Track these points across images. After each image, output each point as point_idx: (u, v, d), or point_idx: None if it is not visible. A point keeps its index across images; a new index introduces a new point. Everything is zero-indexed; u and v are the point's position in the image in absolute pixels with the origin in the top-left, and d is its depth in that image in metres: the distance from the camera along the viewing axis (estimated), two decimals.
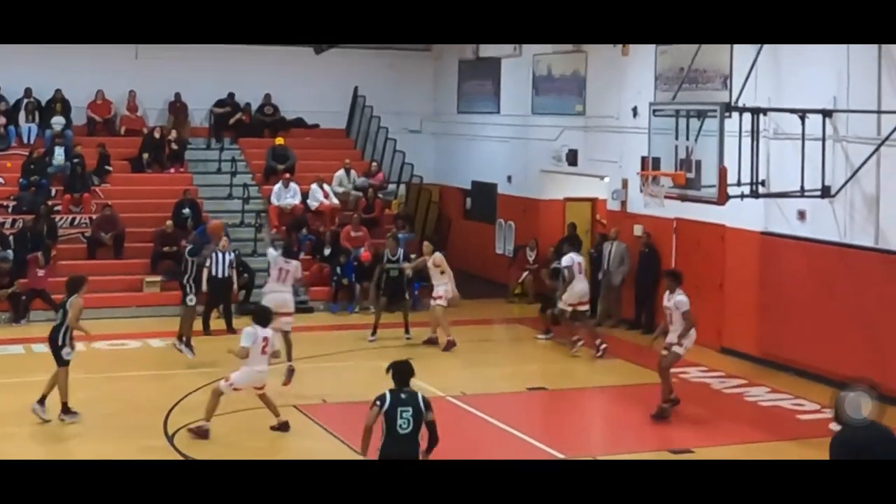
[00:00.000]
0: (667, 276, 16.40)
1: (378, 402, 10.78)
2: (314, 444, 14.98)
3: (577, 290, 20.13)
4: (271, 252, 18.72)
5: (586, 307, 20.46)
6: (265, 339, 14.86)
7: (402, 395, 10.91)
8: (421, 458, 10.58)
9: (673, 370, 18.33)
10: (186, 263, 19.59)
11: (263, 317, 15.20)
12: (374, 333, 20.99)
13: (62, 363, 15.46)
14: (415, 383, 18.07)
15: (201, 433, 14.70)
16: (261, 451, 14.34)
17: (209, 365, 18.51)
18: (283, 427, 15.17)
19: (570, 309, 20.11)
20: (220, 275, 21.86)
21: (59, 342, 15.47)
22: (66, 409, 15.44)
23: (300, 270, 18.83)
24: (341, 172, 27.43)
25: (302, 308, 24.10)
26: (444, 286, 20.67)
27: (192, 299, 19.40)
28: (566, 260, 20.24)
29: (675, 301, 15.83)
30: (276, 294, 17.88)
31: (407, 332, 21.04)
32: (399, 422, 10.74)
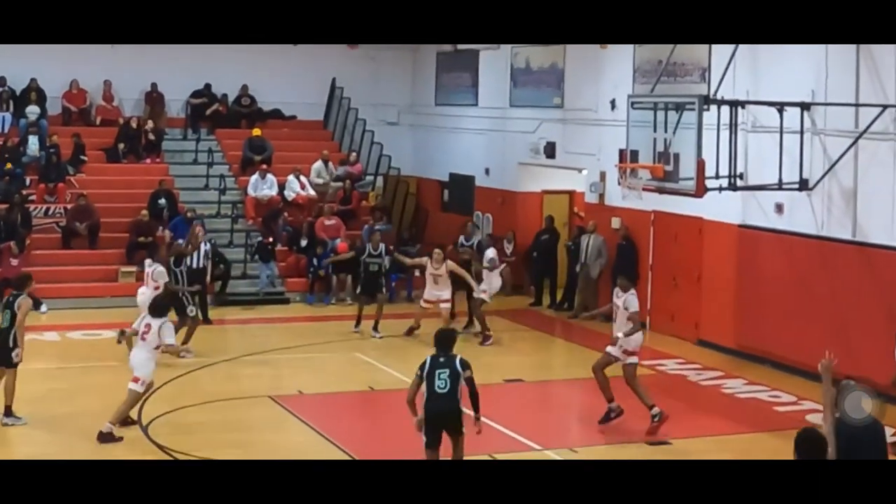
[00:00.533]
0: (621, 278, 15.90)
1: (419, 370, 11.99)
2: (290, 435, 14.91)
3: (496, 284, 20.88)
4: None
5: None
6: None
7: (441, 359, 12.08)
8: (474, 417, 11.87)
9: (651, 361, 18.41)
10: (176, 275, 19.26)
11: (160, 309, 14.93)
12: (357, 325, 20.93)
13: (11, 365, 14.76)
14: (389, 373, 18.16)
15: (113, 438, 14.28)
16: (235, 442, 14.25)
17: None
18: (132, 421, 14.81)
19: (489, 300, 20.55)
20: (195, 265, 21.78)
21: (11, 344, 14.71)
22: (8, 412, 14.86)
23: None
24: (319, 164, 27.35)
25: (279, 299, 24.14)
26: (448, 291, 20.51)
27: (192, 310, 19.15)
28: (490, 253, 21.15)
29: (626, 299, 15.14)
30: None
31: (376, 328, 20.71)
32: (437, 382, 11.92)
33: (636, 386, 14.98)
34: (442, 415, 11.79)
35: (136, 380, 14.36)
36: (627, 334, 14.97)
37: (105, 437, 14.11)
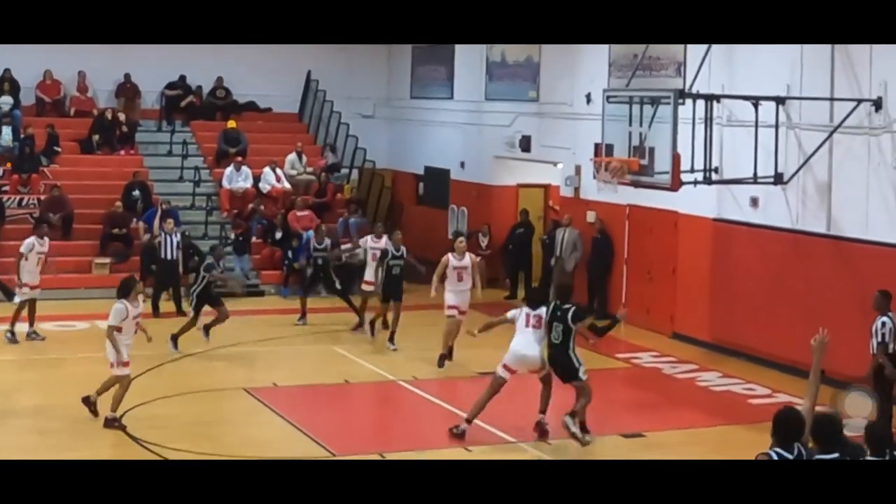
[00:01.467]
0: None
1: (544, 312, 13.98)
2: (264, 428, 14.87)
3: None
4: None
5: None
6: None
7: (558, 312, 13.90)
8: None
9: (626, 354, 18.45)
10: (198, 276, 19.04)
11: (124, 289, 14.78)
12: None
13: None
14: (364, 365, 18.14)
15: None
16: (209, 435, 14.20)
17: (157, 347, 18.28)
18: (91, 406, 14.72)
19: (371, 289, 20.26)
20: (168, 257, 21.74)
21: None
22: None
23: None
24: (293, 156, 27.28)
25: (253, 292, 24.06)
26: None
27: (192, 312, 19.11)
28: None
29: None
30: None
31: (392, 339, 19.28)
32: (553, 334, 13.88)
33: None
34: (555, 364, 13.92)
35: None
36: None
37: (109, 423, 14.25)
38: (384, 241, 20.39)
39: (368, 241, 20.86)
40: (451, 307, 18.13)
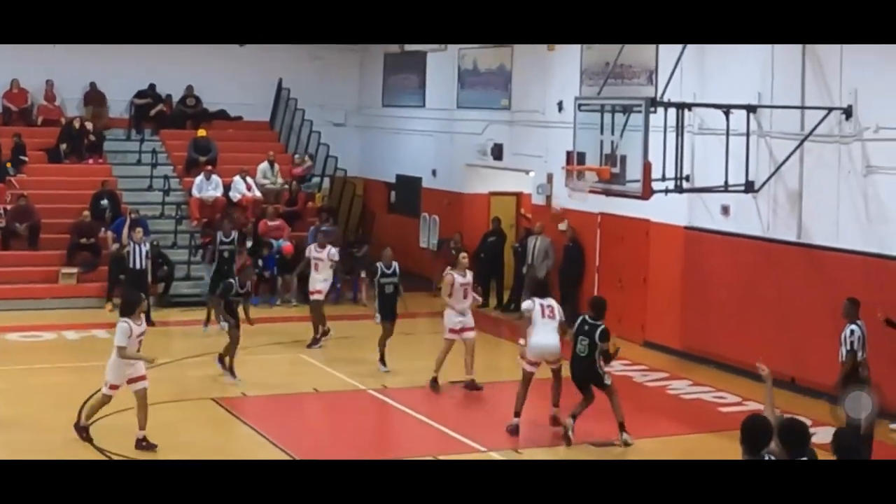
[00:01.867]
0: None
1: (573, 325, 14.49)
2: (233, 438, 14.77)
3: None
4: None
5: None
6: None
7: (586, 327, 14.26)
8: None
9: None
10: (225, 297, 17.73)
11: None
12: (383, 362, 18.42)
13: None
14: (333, 375, 18.02)
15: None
16: (176, 445, 14.04)
17: None
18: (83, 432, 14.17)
19: (320, 298, 20.13)
20: (137, 266, 21.53)
21: None
22: None
23: None
24: (265, 165, 27.14)
25: None
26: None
27: (224, 325, 17.90)
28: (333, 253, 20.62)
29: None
30: None
31: (383, 361, 18.45)
32: (578, 346, 14.26)
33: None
34: (579, 375, 14.35)
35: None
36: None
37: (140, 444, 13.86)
38: (327, 251, 20.30)
39: (312, 250, 20.62)
40: (459, 330, 17.27)
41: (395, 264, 18.57)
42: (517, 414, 14.97)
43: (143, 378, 13.88)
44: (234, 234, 20.71)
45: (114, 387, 13.92)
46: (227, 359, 17.46)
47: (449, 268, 17.85)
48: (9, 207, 24.45)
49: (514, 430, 14.86)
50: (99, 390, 14.21)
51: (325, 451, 14.04)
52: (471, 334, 17.37)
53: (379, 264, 18.66)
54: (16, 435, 14.32)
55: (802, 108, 17.20)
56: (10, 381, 17.27)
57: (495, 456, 13.94)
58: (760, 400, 15.60)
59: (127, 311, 14.04)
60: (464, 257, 17.95)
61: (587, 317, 14.48)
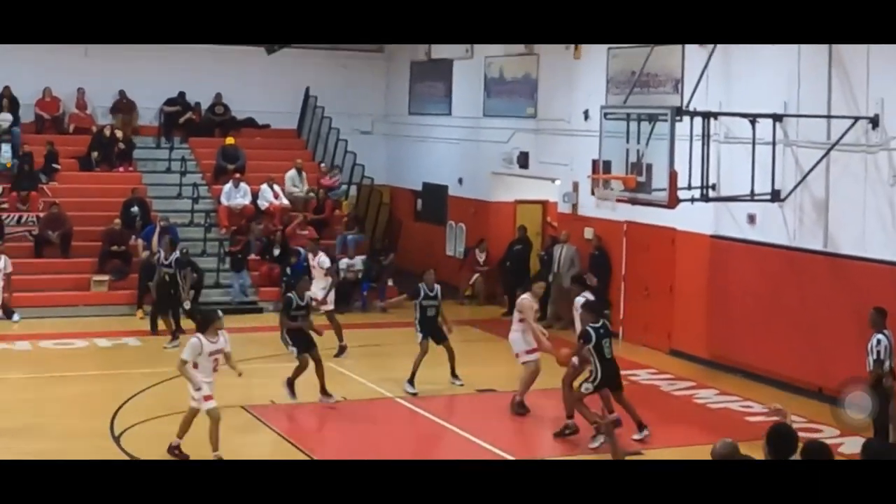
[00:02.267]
0: (574, 281, 17.31)
1: (582, 340, 14.66)
2: (261, 446, 14.88)
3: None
4: None
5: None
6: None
7: (601, 330, 14.71)
8: None
9: (624, 371, 18.32)
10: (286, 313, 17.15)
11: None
12: (411, 382, 17.84)
13: None
14: (362, 383, 18.11)
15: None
16: (206, 453, 14.17)
17: (155, 365, 18.35)
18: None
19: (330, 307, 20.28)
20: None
21: None
22: None
23: None
24: (293, 172, 27.29)
25: (251, 308, 24.08)
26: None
27: (293, 350, 16.88)
28: (324, 260, 20.85)
29: (577, 301, 16.02)
30: None
31: (454, 374, 18.26)
32: (604, 350, 14.65)
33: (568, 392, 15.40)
34: (610, 377, 14.81)
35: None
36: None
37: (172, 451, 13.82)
38: (318, 258, 20.49)
39: (308, 258, 20.84)
40: (532, 350, 16.73)
41: (437, 287, 18.01)
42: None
43: (210, 398, 13.57)
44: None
45: (208, 397, 13.62)
46: (294, 381, 16.75)
47: (528, 294, 16.92)
48: (41, 215, 24.71)
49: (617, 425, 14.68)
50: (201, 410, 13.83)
51: (351, 457, 14.13)
52: (535, 357, 16.81)
53: (422, 286, 17.99)
54: (45, 444, 14.42)
55: (829, 117, 17.21)
56: (41, 390, 17.45)
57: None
58: (787, 408, 15.75)
59: (202, 327, 13.76)
60: (540, 286, 17.54)
61: (606, 321, 15.20)
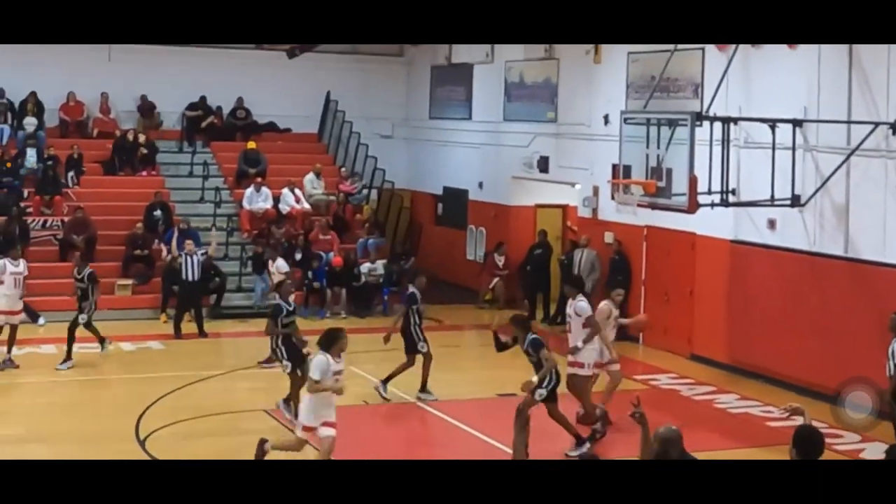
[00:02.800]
0: (567, 286, 16.48)
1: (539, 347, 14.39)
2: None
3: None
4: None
5: None
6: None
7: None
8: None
9: (644, 376, 18.40)
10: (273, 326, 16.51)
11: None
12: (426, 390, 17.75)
13: None
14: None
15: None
16: (230, 456, 14.30)
17: (179, 369, 18.49)
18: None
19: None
20: (190, 278, 21.90)
21: None
22: None
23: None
24: (311, 176, 27.38)
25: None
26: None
27: (287, 365, 16.18)
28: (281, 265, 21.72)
29: (575, 307, 15.51)
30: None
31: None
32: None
33: (586, 398, 15.45)
34: None
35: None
36: (586, 341, 15.32)
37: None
38: (277, 263, 21.60)
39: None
40: (605, 364, 16.12)
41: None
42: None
43: (333, 425, 12.67)
44: (87, 272, 19.01)
45: (307, 428, 12.69)
46: (292, 402, 15.67)
47: (607, 301, 16.47)
48: (66, 219, 24.89)
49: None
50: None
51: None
52: (617, 366, 16.37)
53: (415, 292, 17.83)
54: (70, 447, 14.54)
55: (849, 122, 17.24)
56: (67, 394, 17.60)
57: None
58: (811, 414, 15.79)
59: (325, 345, 12.66)
60: (618, 294, 16.86)
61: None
